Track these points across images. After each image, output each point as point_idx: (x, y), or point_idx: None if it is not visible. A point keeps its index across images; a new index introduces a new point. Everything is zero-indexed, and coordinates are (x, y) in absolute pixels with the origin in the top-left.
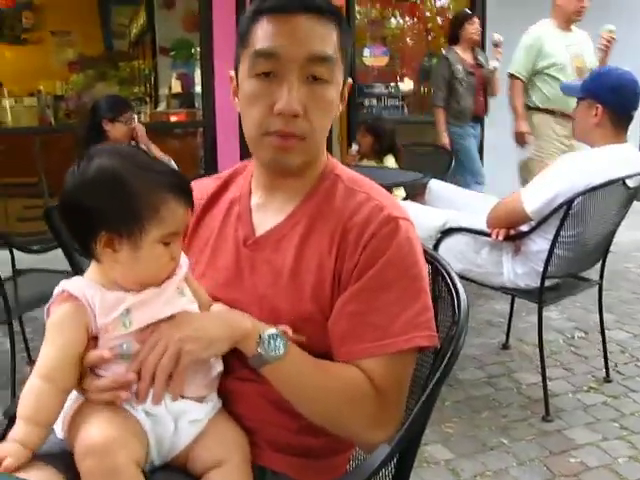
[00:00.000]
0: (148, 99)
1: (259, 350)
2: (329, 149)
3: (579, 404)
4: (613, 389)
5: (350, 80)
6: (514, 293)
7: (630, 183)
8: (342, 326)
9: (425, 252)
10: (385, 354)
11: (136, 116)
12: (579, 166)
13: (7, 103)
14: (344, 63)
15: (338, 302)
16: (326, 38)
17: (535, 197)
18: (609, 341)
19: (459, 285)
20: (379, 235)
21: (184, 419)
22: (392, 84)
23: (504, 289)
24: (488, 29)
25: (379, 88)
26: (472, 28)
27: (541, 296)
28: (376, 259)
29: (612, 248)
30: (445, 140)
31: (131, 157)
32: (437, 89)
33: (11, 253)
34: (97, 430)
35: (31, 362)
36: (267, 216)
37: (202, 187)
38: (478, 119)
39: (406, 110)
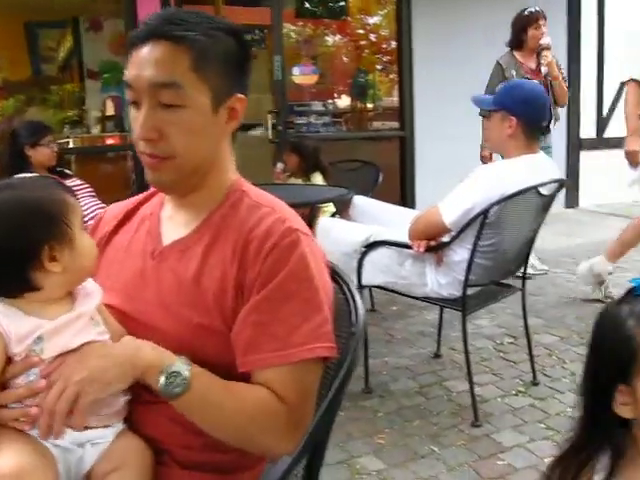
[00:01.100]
0: (80, 123)
1: (159, 387)
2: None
3: (507, 408)
4: (540, 391)
5: (240, 96)
6: (439, 303)
7: (544, 191)
8: (244, 336)
9: (326, 265)
10: (286, 364)
11: (71, 140)
12: (494, 176)
13: None
14: (211, 84)
15: (241, 312)
16: (170, 64)
17: (452, 209)
18: (537, 345)
19: (357, 297)
20: (280, 246)
21: (89, 444)
22: (329, 101)
23: (429, 299)
24: (415, 44)
25: (315, 106)
26: (538, 34)
27: (464, 304)
28: (278, 270)
29: (540, 255)
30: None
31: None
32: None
33: None
34: (7, 460)
35: None
36: (174, 228)
37: (113, 210)
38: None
39: (344, 127)
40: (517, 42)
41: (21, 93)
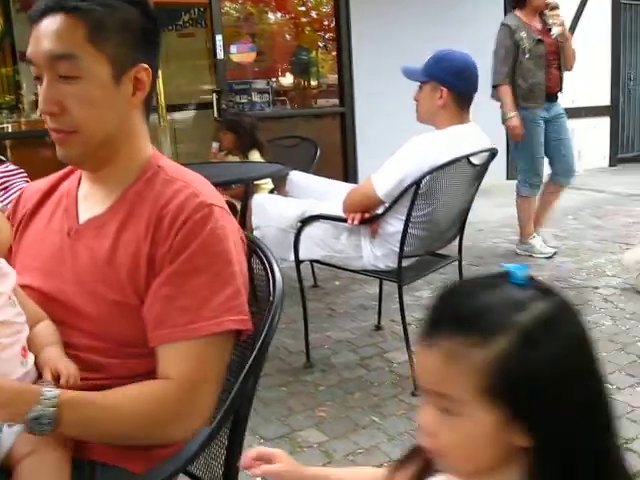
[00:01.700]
0: (17, 108)
1: (28, 431)
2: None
3: None
4: None
5: (144, 65)
6: (376, 275)
7: (475, 161)
8: (154, 310)
9: (244, 237)
10: (195, 337)
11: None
12: (425, 147)
13: None
14: (109, 54)
15: (152, 286)
16: (65, 36)
17: (385, 180)
18: None
19: (275, 267)
20: (192, 220)
21: (5, 425)
22: (272, 79)
23: (366, 272)
24: (353, 20)
25: (256, 84)
26: None
27: (400, 276)
28: (188, 243)
29: (481, 226)
30: (514, 123)
31: None
32: (498, 63)
33: None
34: None
35: None
36: (90, 206)
37: (32, 189)
38: (553, 97)
39: (288, 105)
40: (521, 1)
41: None
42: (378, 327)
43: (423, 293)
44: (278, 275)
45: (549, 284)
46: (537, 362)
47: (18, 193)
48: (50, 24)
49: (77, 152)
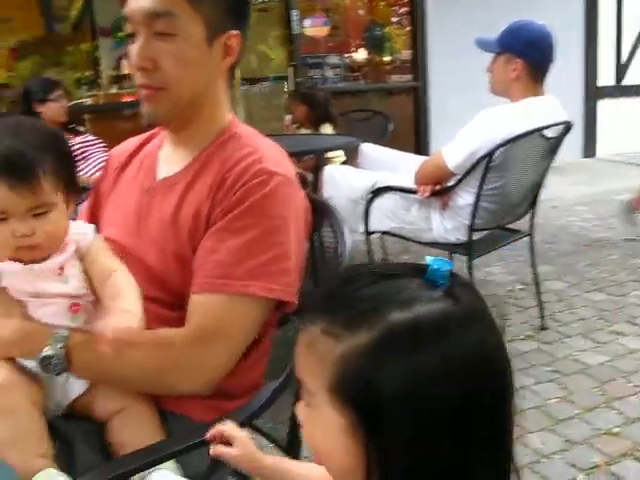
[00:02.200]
0: (96, 83)
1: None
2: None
3: (515, 351)
4: (548, 336)
5: (234, 32)
6: (445, 248)
7: (549, 134)
8: (197, 260)
9: (314, 201)
10: (218, 292)
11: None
12: (498, 119)
13: None
14: (205, 16)
15: (202, 240)
16: None
17: (456, 152)
18: (547, 291)
19: (345, 231)
20: (249, 184)
21: None
22: (346, 55)
23: (435, 244)
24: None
25: (329, 59)
26: None
27: (470, 248)
28: (240, 204)
29: (555, 203)
30: None
31: None
32: None
33: None
34: None
35: None
36: (168, 166)
37: (122, 149)
38: None
39: (362, 80)
40: None
41: (35, 54)
42: None
43: (494, 269)
44: (347, 237)
45: (474, 292)
46: (391, 372)
47: (103, 159)
48: None
49: (164, 110)
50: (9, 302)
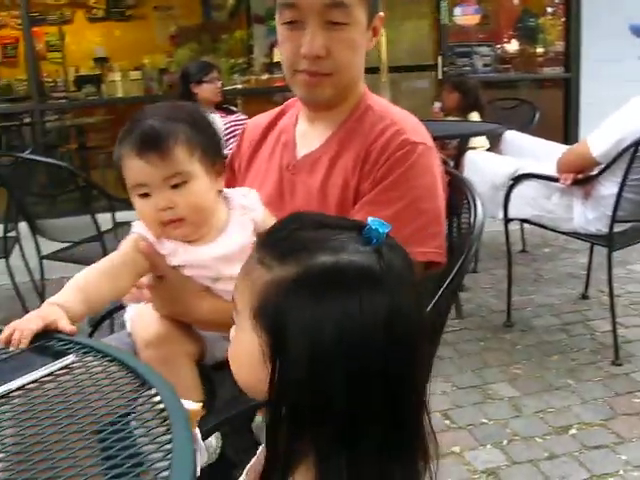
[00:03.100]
0: (249, 70)
1: None
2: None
3: None
4: None
5: (381, 14)
6: (585, 238)
7: None
8: None
9: (450, 173)
10: None
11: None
12: None
13: (115, 77)
14: (367, 2)
15: (350, 214)
16: None
17: (601, 140)
18: None
19: (478, 203)
20: (394, 157)
21: None
22: (498, 46)
23: (575, 234)
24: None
25: (479, 48)
26: None
27: (610, 240)
28: (387, 177)
29: None
30: None
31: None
32: None
33: (112, 209)
34: (155, 326)
35: None
36: (307, 143)
37: (255, 124)
38: None
39: (512, 72)
40: None
41: (193, 41)
42: (585, 296)
43: (637, 267)
44: (480, 209)
45: (404, 260)
46: (297, 308)
47: (240, 130)
48: None
49: (328, 94)
50: (195, 286)
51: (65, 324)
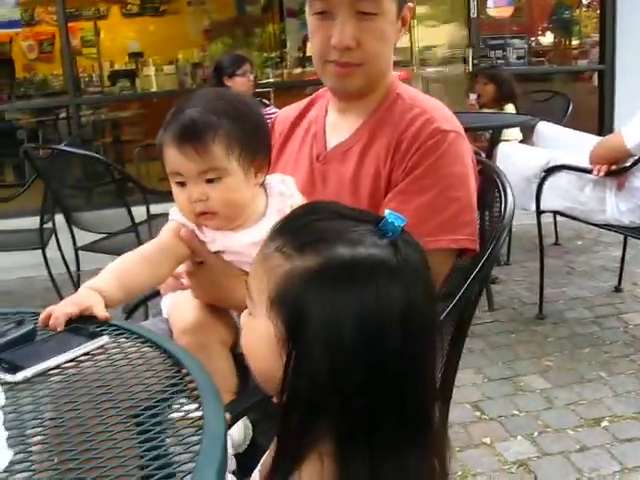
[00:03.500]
0: (282, 64)
1: None
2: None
3: None
4: None
5: (410, 4)
6: (618, 230)
7: None
8: None
9: (480, 162)
10: None
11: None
12: None
13: (149, 71)
14: None
15: (382, 203)
16: None
17: (636, 132)
18: None
19: (508, 191)
20: (425, 146)
21: None
22: (532, 38)
23: (608, 226)
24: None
25: (511, 40)
26: None
27: None
28: (418, 165)
29: None
30: None
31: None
32: None
33: (146, 202)
34: (192, 314)
35: None
36: (338, 134)
37: (285, 115)
38: None
39: (546, 64)
40: None
41: (226, 35)
42: (618, 289)
43: None
44: (510, 197)
45: (419, 253)
46: (316, 299)
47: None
48: None
49: (359, 84)
50: (235, 270)
51: (100, 310)
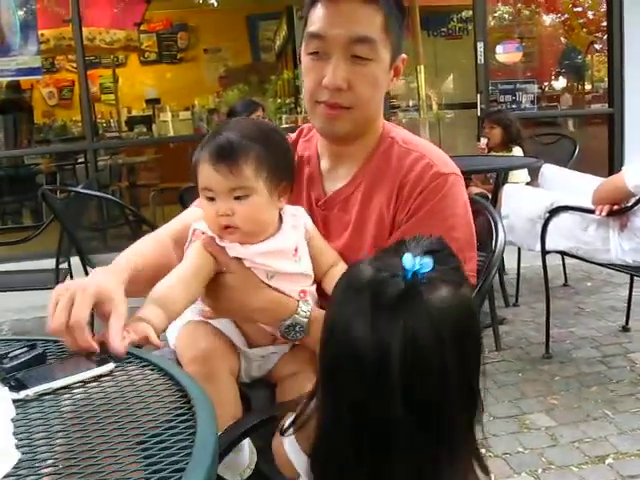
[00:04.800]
0: (295, 110)
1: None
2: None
3: None
4: None
5: (404, 56)
6: (622, 269)
7: None
8: None
9: (475, 202)
10: None
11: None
12: None
13: (166, 117)
14: (391, 42)
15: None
16: (368, 21)
17: (637, 172)
18: None
19: (499, 226)
20: (427, 189)
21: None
22: (543, 82)
23: (612, 266)
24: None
25: (520, 85)
26: None
27: None
28: (420, 209)
29: None
30: None
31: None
32: None
33: None
34: (201, 343)
35: None
36: (334, 179)
37: None
38: None
39: (558, 108)
40: None
41: (241, 82)
42: (625, 328)
43: None
44: (501, 232)
45: (429, 307)
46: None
47: None
48: (352, 8)
49: (347, 128)
50: (255, 278)
51: (155, 339)
